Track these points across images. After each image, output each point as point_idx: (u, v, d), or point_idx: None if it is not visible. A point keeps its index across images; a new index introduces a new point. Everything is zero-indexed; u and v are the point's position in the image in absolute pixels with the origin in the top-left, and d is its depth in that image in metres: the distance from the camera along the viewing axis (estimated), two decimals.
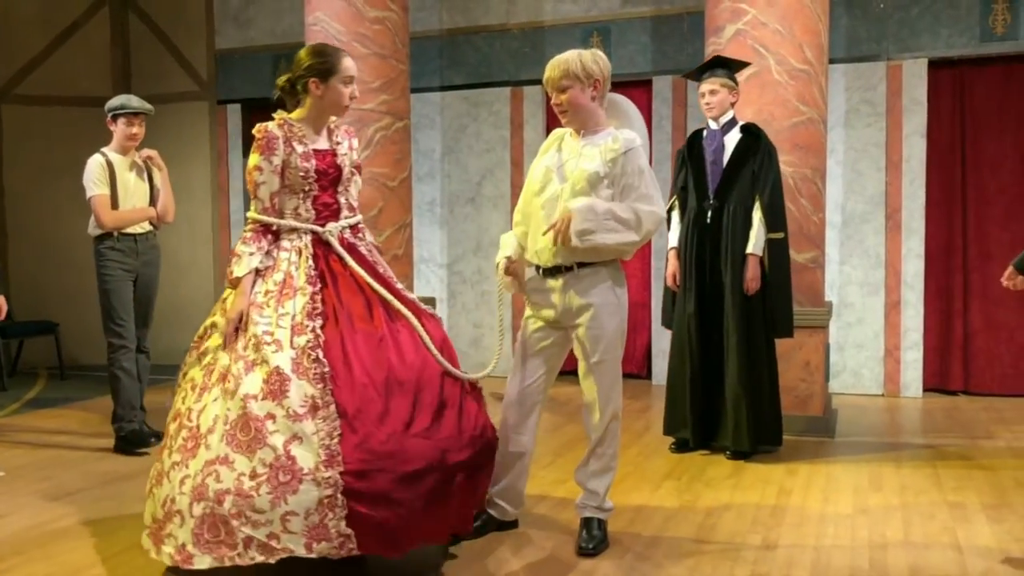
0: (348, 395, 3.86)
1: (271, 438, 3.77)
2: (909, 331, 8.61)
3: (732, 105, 6.32)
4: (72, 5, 10.83)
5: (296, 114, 4.40)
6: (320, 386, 3.87)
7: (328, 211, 4.39)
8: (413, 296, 4.46)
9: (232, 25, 10.77)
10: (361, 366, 3.94)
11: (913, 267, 8.57)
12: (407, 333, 4.16)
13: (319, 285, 4.14)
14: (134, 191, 6.79)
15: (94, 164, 6.72)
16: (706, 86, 6.26)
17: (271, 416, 3.81)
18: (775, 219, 6.20)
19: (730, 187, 6.22)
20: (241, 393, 3.87)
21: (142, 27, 10.93)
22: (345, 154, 4.45)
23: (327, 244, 4.34)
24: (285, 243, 4.30)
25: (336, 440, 3.77)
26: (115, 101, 6.81)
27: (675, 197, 6.49)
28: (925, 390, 8.77)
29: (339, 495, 3.72)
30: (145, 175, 6.89)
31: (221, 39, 10.84)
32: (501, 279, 4.57)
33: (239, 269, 4.20)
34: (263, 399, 3.85)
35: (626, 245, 4.23)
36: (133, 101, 6.81)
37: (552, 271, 4.40)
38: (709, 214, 6.28)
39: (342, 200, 4.43)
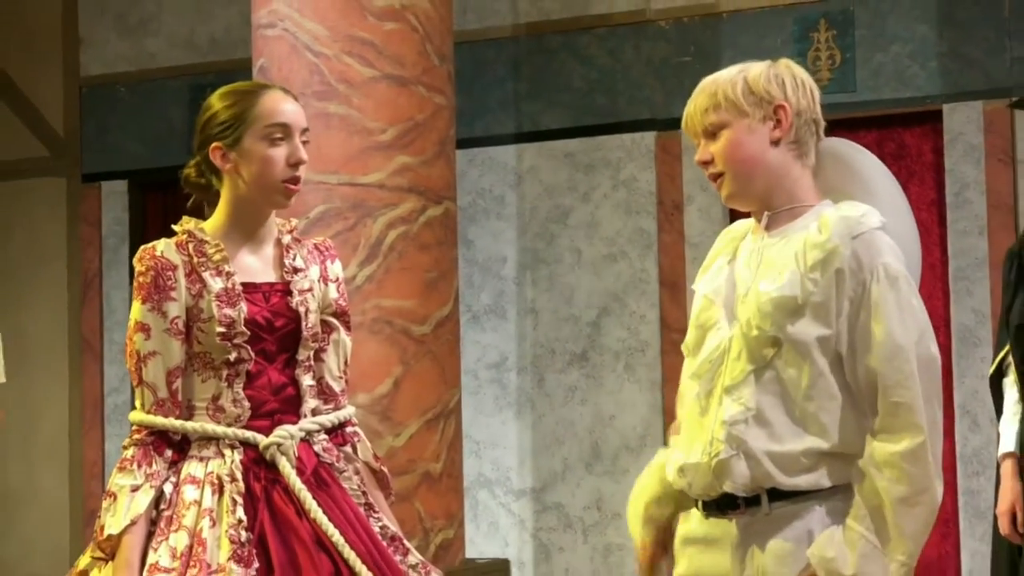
0: None
1: None
2: None
3: None
4: None
5: (211, 221, 3.58)
6: None
7: (276, 402, 3.54)
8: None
9: (114, 31, 9.10)
10: None
11: None
12: None
13: (255, 564, 3.36)
14: None
15: None
16: None
17: None
18: None
19: None
20: None
21: None
22: (308, 290, 3.58)
23: (273, 467, 3.49)
24: (194, 467, 3.48)
25: None
26: None
27: (1006, 350, 5.08)
28: None
29: None
30: None
31: (92, 59, 9.12)
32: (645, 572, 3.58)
33: (114, 522, 3.36)
34: None
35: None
36: None
37: (716, 505, 3.32)
38: None
39: (305, 381, 3.56)
